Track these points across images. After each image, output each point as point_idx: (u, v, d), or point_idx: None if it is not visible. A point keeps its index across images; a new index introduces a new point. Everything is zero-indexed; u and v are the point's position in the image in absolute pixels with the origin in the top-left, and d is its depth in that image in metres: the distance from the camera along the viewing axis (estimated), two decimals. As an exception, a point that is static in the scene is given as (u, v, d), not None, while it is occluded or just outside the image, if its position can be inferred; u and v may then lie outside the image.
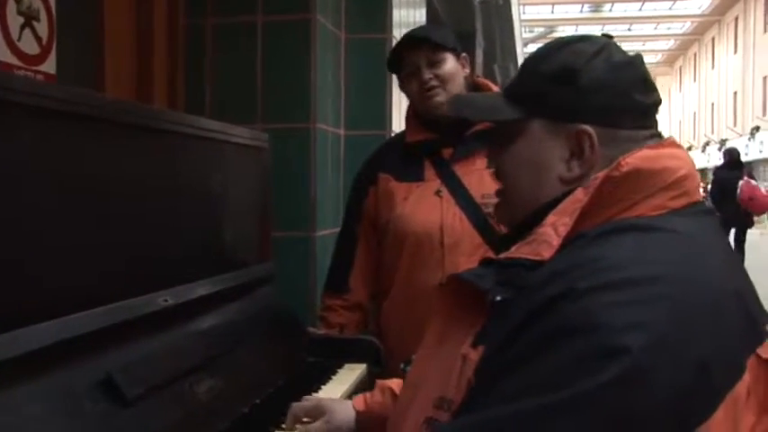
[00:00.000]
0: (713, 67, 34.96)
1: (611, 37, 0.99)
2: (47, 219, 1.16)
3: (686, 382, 0.73)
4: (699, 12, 32.32)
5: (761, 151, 27.32)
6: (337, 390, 1.70)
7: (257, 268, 1.92)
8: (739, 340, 0.79)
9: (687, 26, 34.74)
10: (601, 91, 0.92)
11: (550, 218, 0.89)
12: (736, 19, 31.15)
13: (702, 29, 35.10)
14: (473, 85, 2.08)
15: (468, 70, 2.05)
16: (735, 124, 30.29)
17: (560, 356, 0.74)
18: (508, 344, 0.80)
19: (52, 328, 1.11)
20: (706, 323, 0.77)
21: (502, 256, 0.91)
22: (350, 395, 1.70)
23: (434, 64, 1.97)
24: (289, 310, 2.00)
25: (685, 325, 0.75)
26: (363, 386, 1.80)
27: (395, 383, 1.33)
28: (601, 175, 0.88)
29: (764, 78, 28.17)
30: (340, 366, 1.85)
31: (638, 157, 0.88)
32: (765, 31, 28.05)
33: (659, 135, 0.96)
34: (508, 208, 1.02)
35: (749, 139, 28.25)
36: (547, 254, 0.85)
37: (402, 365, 1.26)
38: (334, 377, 1.78)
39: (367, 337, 2.02)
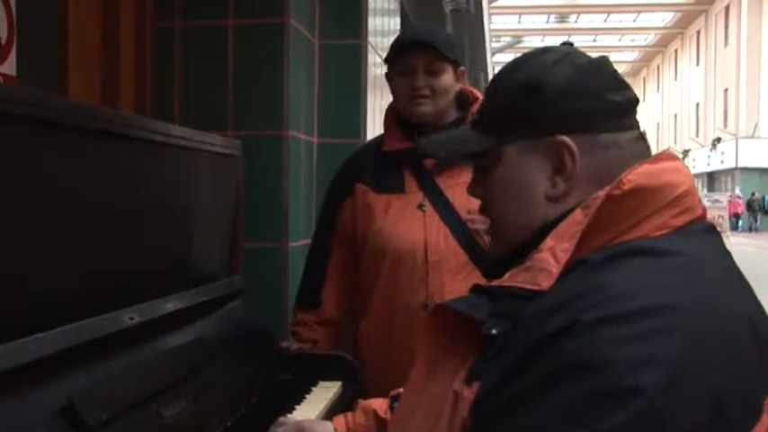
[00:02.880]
0: (676, 79, 35.62)
1: (571, 44, 0.94)
2: None
3: (701, 420, 0.67)
4: (662, 24, 32.93)
5: (722, 162, 27.89)
6: (312, 409, 1.62)
7: (227, 282, 1.84)
8: (756, 373, 0.73)
9: (651, 38, 35.37)
10: (568, 96, 0.87)
11: (548, 242, 0.82)
12: (698, 32, 31.79)
13: (666, 41, 35.77)
14: (460, 97, 2.00)
15: (461, 84, 1.97)
16: (697, 135, 30.86)
17: (568, 397, 0.67)
18: (507, 382, 0.73)
19: (6, 352, 1.02)
20: (721, 355, 0.71)
21: (495, 283, 0.83)
22: (326, 415, 1.63)
23: (432, 72, 1.89)
24: (260, 325, 1.91)
25: (699, 358, 0.69)
26: (339, 405, 1.73)
27: (377, 404, 1.26)
28: (601, 194, 0.81)
29: (725, 91, 28.78)
30: (314, 384, 1.78)
31: (639, 174, 0.82)
32: (726, 45, 28.66)
33: (643, 137, 0.90)
34: (501, 240, 0.95)
35: (711, 149, 28.80)
36: (546, 283, 0.78)
37: (390, 401, 1.19)
38: (308, 396, 1.71)
39: (341, 353, 1.95)
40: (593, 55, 0.93)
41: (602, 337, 0.69)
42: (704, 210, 0.87)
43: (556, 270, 0.79)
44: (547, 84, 0.87)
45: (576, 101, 0.86)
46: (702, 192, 26.35)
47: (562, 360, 0.69)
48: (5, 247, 1.08)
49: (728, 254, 0.87)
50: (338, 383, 1.81)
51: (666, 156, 0.87)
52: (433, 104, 1.90)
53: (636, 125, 0.90)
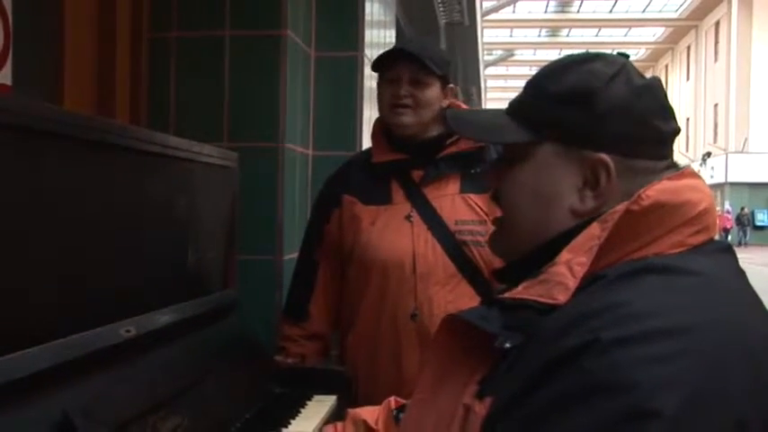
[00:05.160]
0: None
1: (627, 56, 0.92)
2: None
3: None
4: (653, 39, 33.14)
5: (712, 176, 27.98)
6: (308, 424, 1.61)
7: (222, 294, 1.83)
8: None
9: (642, 53, 35.55)
10: (620, 117, 0.84)
11: (564, 255, 0.80)
12: (689, 48, 32.00)
13: (656, 56, 35.99)
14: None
15: (448, 101, 1.96)
16: (687, 149, 30.99)
17: (590, 419, 0.66)
18: (523, 398, 0.71)
19: (2, 365, 1.00)
20: (742, 376, 0.70)
21: (508, 295, 0.82)
22: (320, 430, 1.62)
23: (417, 84, 1.89)
24: (255, 338, 1.90)
25: (721, 380, 0.68)
26: (335, 419, 1.71)
27: (367, 413, 1.24)
28: (620, 208, 0.80)
29: (715, 106, 28.95)
30: (309, 398, 1.76)
31: (659, 190, 0.80)
32: (716, 60, 28.85)
33: (675, 165, 0.88)
34: (508, 239, 0.93)
35: (701, 164, 28.92)
36: (562, 297, 0.77)
37: (395, 412, 1.18)
38: (303, 410, 1.69)
39: (337, 367, 1.93)
40: (647, 75, 0.91)
41: (623, 357, 0.67)
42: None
43: (572, 284, 0.78)
44: (600, 97, 0.85)
45: (627, 123, 0.84)
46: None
47: (582, 380, 0.68)
48: (0, 259, 1.06)
49: (743, 273, 0.86)
50: (333, 397, 1.80)
51: (688, 173, 0.86)
52: (415, 115, 1.88)
53: (671, 155, 0.89)
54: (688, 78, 32.37)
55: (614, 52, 0.93)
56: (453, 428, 0.79)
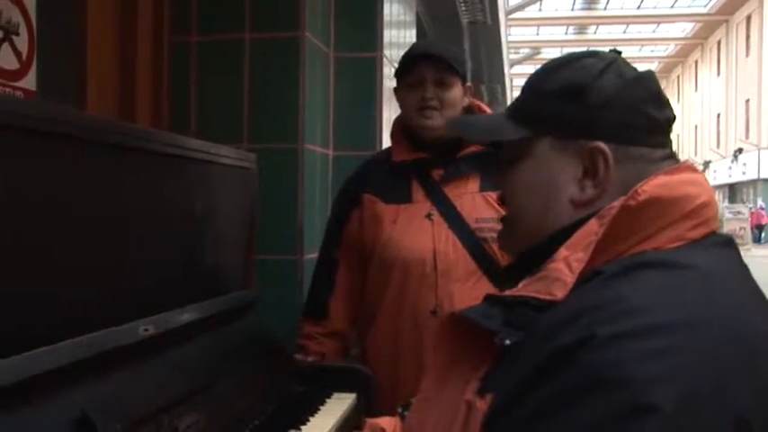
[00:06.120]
0: (696, 90, 35.35)
1: (619, 53, 0.93)
2: (16, 244, 1.08)
3: None
4: (682, 35, 32.72)
5: (744, 173, 27.59)
6: (326, 421, 1.62)
7: (242, 294, 1.85)
8: None
9: (671, 49, 35.15)
10: (612, 106, 0.87)
11: (562, 252, 0.81)
12: (719, 43, 31.55)
13: (686, 52, 35.53)
14: (467, 111, 2.01)
15: (467, 100, 1.99)
16: (718, 146, 30.58)
17: (588, 413, 0.66)
18: (523, 394, 0.72)
19: (22, 362, 1.03)
20: (741, 372, 0.69)
21: (508, 293, 0.83)
22: (339, 427, 1.63)
23: (442, 84, 1.91)
24: (274, 337, 1.92)
25: (719, 375, 0.68)
26: (353, 417, 1.73)
27: (385, 423, 1.25)
28: (616, 204, 0.81)
29: (747, 101, 28.50)
30: (328, 396, 1.78)
31: (656, 185, 0.81)
32: (748, 55, 28.41)
33: (674, 156, 0.89)
34: (514, 236, 0.95)
35: (732, 161, 28.52)
36: (560, 293, 0.78)
37: (399, 409, 1.19)
38: (322, 407, 1.71)
39: (357, 365, 1.95)
40: (640, 68, 0.93)
41: (620, 352, 0.68)
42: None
43: (570, 280, 0.79)
44: (592, 90, 0.87)
45: (620, 112, 0.86)
46: (723, 203, 26.09)
47: (579, 376, 0.68)
48: (23, 259, 1.09)
49: (746, 267, 0.86)
50: (353, 395, 1.81)
51: (685, 167, 0.87)
52: (442, 117, 1.90)
53: (669, 144, 0.90)
54: (719, 74, 31.92)
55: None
56: (456, 425, 0.80)
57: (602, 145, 0.86)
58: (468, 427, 0.78)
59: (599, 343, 0.69)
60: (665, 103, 0.90)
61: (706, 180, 0.88)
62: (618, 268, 0.78)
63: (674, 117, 0.92)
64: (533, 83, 0.95)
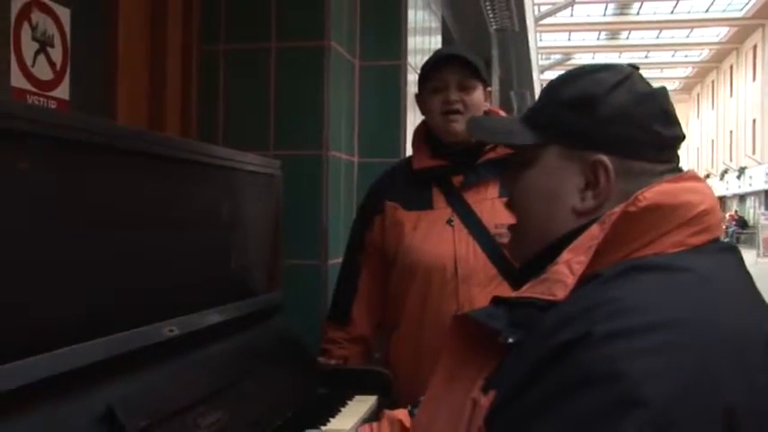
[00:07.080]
0: (731, 95, 34.80)
1: (637, 68, 0.96)
2: (51, 247, 1.13)
3: None
4: (717, 39, 32.26)
5: (780, 179, 27.06)
6: (347, 421, 1.66)
7: (267, 297, 1.89)
8: None
9: (705, 54, 34.67)
10: (620, 121, 0.89)
11: (565, 255, 0.85)
12: (755, 47, 31.05)
13: (720, 56, 35.00)
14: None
15: (488, 104, 2.02)
16: (754, 152, 30.05)
17: (578, 408, 0.69)
18: (521, 391, 0.75)
19: (52, 360, 1.08)
20: (733, 370, 0.72)
21: (513, 294, 0.86)
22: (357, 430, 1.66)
23: (465, 88, 1.94)
24: (298, 339, 1.96)
25: (710, 372, 0.70)
26: (374, 418, 1.76)
27: (403, 414, 1.28)
28: (617, 210, 0.84)
29: (784, 106, 27.99)
30: (350, 398, 1.82)
31: (657, 192, 0.84)
32: (784, 60, 27.93)
33: (678, 169, 0.92)
34: (521, 242, 0.98)
35: (769, 166, 27.99)
36: (561, 294, 0.81)
37: (410, 408, 1.22)
38: (343, 409, 1.74)
39: (378, 368, 1.98)
40: (647, 78, 0.95)
41: (613, 350, 0.71)
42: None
43: (571, 281, 0.82)
44: (602, 103, 0.90)
45: (626, 127, 0.89)
46: (759, 210, 25.63)
47: (575, 371, 0.71)
48: (57, 260, 1.14)
49: (746, 272, 0.88)
50: (374, 397, 1.84)
51: (689, 176, 0.89)
52: (465, 121, 1.93)
53: (676, 159, 0.93)
54: (754, 79, 31.40)
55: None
56: (462, 422, 0.83)
57: (604, 158, 0.88)
58: (473, 424, 0.81)
59: (595, 340, 0.72)
60: (674, 121, 0.92)
61: (709, 188, 0.90)
62: (617, 270, 0.81)
63: (683, 135, 0.94)
64: (550, 90, 0.98)
